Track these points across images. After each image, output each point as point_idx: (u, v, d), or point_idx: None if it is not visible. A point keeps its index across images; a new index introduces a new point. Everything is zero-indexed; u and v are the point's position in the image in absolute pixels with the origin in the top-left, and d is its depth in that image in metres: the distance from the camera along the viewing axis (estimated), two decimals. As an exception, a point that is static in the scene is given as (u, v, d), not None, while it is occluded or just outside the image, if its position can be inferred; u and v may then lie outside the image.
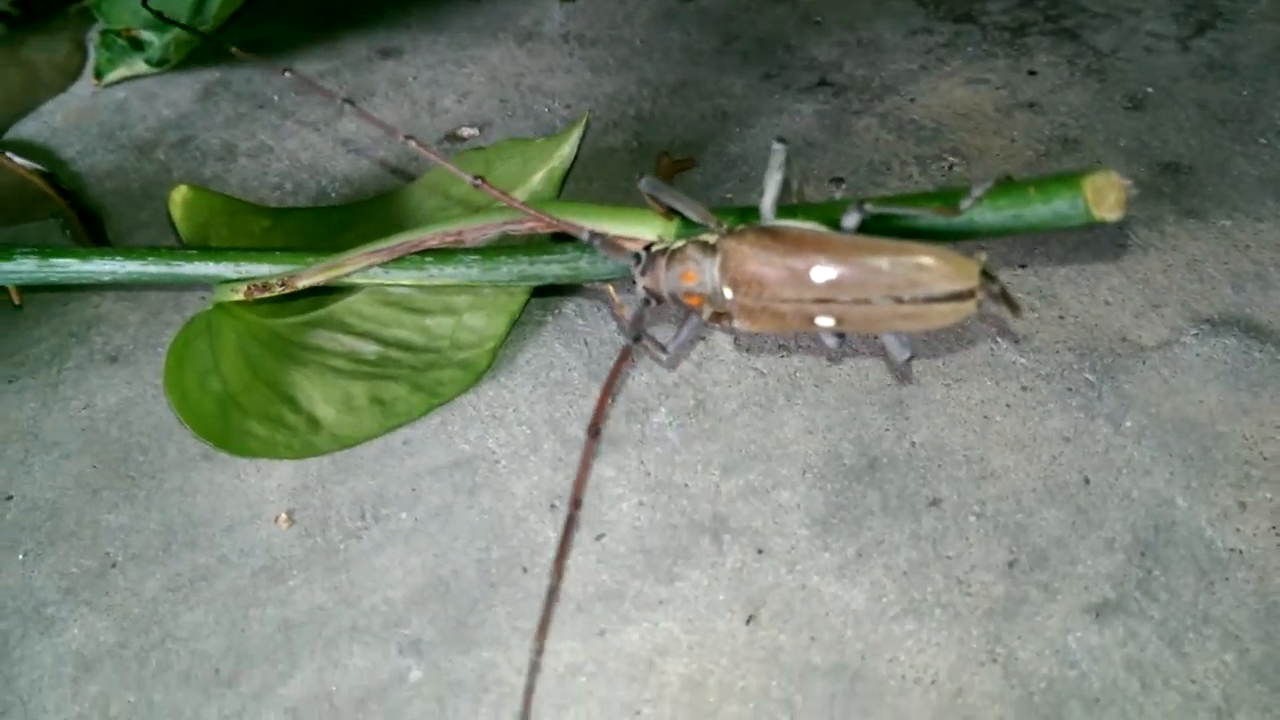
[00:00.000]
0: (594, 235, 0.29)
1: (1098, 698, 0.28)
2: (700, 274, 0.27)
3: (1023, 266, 0.39)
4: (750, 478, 0.33)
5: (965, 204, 0.27)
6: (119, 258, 0.35)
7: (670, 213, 0.30)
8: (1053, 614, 0.29)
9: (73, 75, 0.54)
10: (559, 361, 0.38)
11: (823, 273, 0.25)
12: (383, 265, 0.35)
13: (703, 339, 0.38)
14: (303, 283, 0.34)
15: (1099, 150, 0.45)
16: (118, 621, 0.31)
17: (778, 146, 0.28)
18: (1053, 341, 0.37)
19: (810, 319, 0.26)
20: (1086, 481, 0.32)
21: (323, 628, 0.30)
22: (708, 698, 0.28)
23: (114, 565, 0.32)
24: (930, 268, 0.25)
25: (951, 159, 0.45)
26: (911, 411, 0.35)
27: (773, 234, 0.26)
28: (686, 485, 0.33)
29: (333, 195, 0.45)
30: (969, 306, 0.25)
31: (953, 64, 0.50)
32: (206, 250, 0.35)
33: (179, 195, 0.38)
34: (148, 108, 0.51)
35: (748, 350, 0.37)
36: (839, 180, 0.44)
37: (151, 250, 0.35)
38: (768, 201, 0.27)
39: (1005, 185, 0.28)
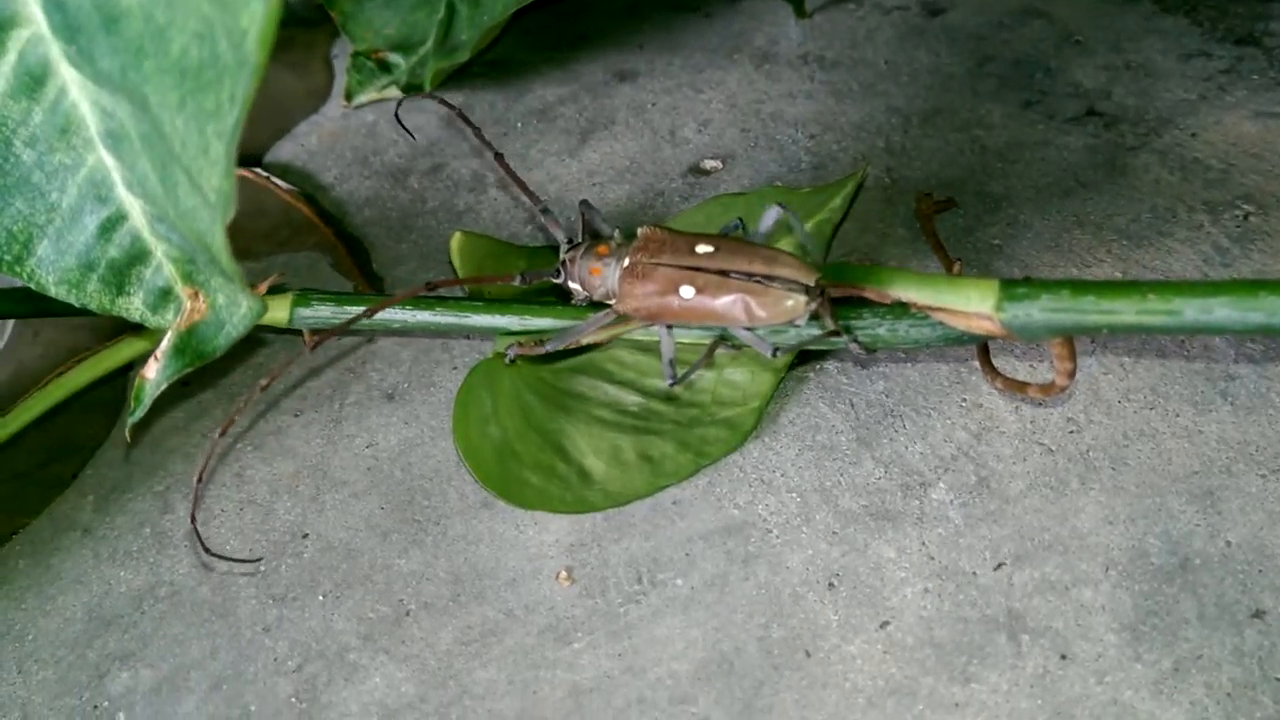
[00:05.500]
0: (544, 210, 0.37)
1: None
2: (612, 247, 0.34)
3: (1339, 339, 0.36)
4: (1046, 570, 0.32)
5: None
6: (410, 307, 0.36)
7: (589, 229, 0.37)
8: (1404, 755, 0.27)
9: (322, 96, 0.56)
10: (824, 423, 0.37)
11: (704, 248, 0.33)
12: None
13: (979, 406, 0.36)
14: (587, 339, 0.35)
15: None
16: (416, 673, 0.32)
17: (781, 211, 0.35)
18: (1381, 430, 0.33)
19: (677, 286, 0.33)
20: None
21: (611, 697, 0.31)
22: (1017, 815, 0.27)
23: (408, 613, 0.34)
24: (783, 260, 0.32)
25: (1246, 208, 0.41)
26: (1224, 505, 0.32)
27: (679, 232, 0.34)
28: (974, 574, 0.32)
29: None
30: (801, 303, 0.32)
31: (1236, 94, 0.46)
32: (493, 303, 0.36)
33: (455, 242, 0.39)
34: (397, 132, 0.52)
35: (1032, 423, 0.35)
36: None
37: (440, 300, 0.36)
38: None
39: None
